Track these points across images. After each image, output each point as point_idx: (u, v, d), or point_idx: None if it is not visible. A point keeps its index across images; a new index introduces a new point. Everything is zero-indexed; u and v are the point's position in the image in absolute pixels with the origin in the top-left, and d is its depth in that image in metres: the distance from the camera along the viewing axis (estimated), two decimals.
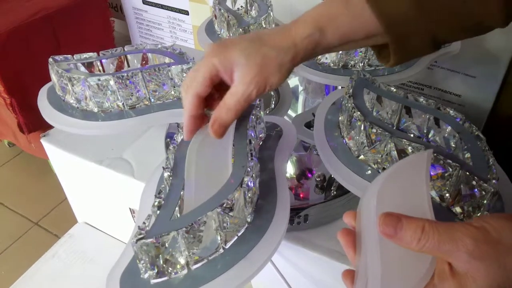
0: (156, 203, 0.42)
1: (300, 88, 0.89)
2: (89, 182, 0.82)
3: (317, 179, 0.63)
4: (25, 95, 1.16)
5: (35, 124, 1.21)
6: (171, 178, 0.45)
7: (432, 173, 0.47)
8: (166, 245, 0.38)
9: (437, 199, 0.48)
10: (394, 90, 0.56)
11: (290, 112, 0.82)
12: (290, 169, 0.69)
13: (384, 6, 0.41)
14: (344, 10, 0.42)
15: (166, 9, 1.26)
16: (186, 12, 1.22)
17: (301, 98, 0.88)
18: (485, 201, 0.44)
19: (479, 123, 0.92)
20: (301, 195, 0.63)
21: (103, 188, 0.80)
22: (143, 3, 1.29)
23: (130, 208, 0.79)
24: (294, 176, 0.67)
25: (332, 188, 0.62)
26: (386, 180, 0.35)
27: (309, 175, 0.66)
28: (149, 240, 0.37)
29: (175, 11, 1.25)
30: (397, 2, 0.41)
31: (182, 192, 0.43)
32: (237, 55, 0.41)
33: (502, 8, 0.41)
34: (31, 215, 1.37)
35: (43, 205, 1.38)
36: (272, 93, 0.87)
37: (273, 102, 0.85)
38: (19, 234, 1.31)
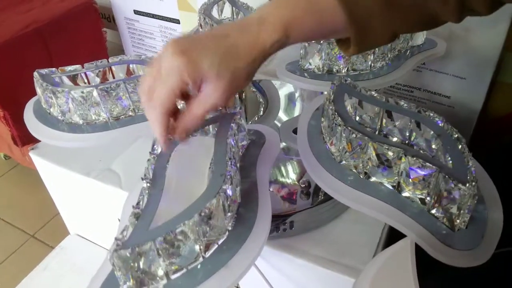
0: (133, 214, 0.42)
1: (296, 95, 0.89)
2: (78, 194, 0.82)
3: (302, 186, 0.62)
4: (18, 108, 1.15)
5: (29, 136, 1.20)
6: (149, 188, 0.45)
7: (412, 176, 0.47)
8: (144, 255, 0.38)
9: (419, 202, 0.48)
10: (376, 94, 0.56)
11: (285, 118, 0.82)
12: (279, 173, 0.69)
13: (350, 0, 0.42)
14: (309, 6, 0.43)
15: (158, 19, 1.27)
16: (177, 21, 1.23)
17: (298, 105, 0.88)
18: (465, 204, 0.44)
19: (470, 124, 0.92)
20: (294, 198, 0.63)
21: (92, 200, 0.80)
22: (135, 13, 1.30)
23: (119, 219, 0.79)
24: (288, 180, 0.67)
25: (319, 194, 0.62)
26: (374, 278, 0.36)
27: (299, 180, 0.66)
28: (125, 251, 0.37)
29: (166, 20, 1.25)
30: None
31: (160, 203, 0.43)
32: (208, 67, 0.40)
33: (457, 6, 0.42)
34: (27, 227, 1.37)
35: (39, 217, 1.38)
36: (261, 100, 0.87)
37: (262, 109, 0.85)
38: (16, 247, 1.31)
